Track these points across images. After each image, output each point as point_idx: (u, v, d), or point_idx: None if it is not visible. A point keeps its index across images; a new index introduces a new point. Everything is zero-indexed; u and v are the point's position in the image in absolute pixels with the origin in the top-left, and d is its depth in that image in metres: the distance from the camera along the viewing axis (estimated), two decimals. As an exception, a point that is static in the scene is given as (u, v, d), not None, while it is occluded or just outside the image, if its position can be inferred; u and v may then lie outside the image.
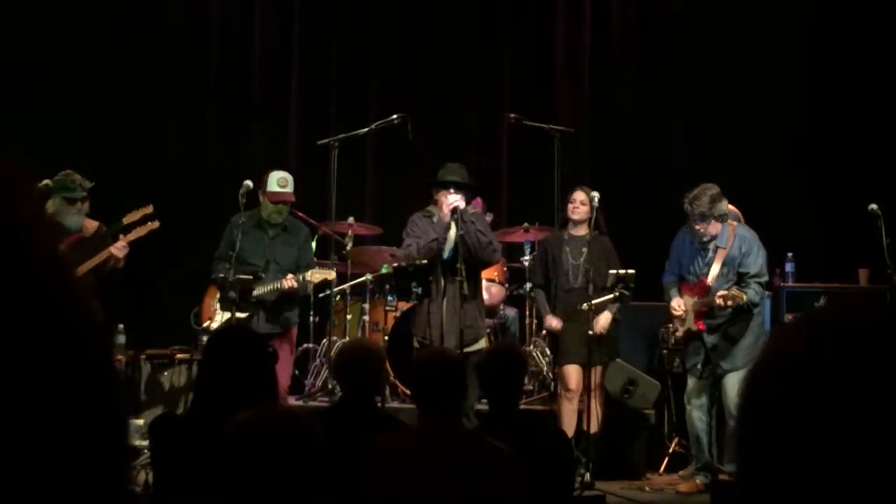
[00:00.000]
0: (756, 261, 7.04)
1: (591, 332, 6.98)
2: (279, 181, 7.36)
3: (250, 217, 7.37)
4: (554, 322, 7.36)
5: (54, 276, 0.69)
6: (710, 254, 7.09)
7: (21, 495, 0.64)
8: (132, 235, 7.09)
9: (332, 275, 7.42)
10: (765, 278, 7.14)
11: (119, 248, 6.96)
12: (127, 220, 7.18)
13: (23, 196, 0.70)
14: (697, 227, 7.02)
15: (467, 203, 7.12)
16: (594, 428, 7.12)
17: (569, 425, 7.10)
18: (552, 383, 7.96)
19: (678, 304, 7.17)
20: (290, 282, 7.14)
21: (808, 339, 0.86)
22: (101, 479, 0.69)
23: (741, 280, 7.00)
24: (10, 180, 0.70)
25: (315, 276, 7.24)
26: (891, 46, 9.70)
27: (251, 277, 7.21)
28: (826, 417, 0.81)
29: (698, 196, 6.98)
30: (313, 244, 7.79)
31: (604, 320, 7.23)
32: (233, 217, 7.45)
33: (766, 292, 7.61)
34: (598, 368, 7.18)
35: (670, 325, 7.71)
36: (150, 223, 7.18)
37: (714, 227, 7.03)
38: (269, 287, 7.20)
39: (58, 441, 0.66)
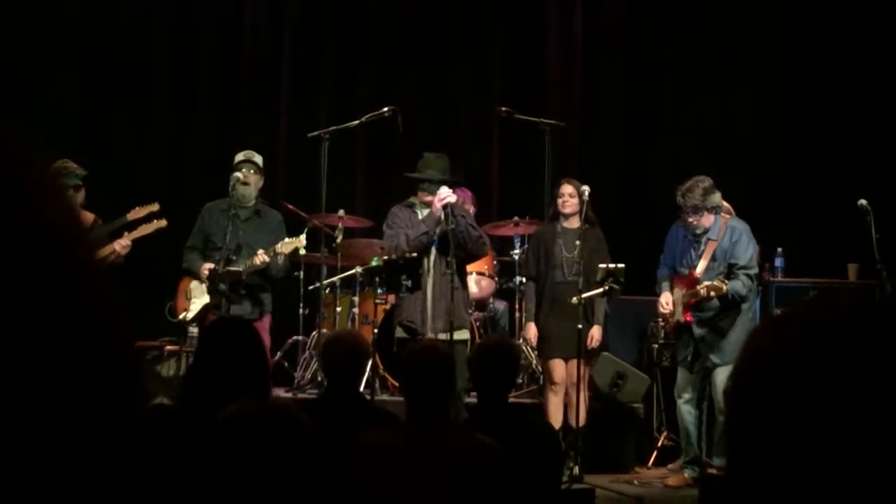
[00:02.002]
0: (745, 252, 7.03)
1: (579, 327, 6.98)
2: (245, 154, 7.47)
3: (221, 203, 7.38)
4: (531, 333, 7.41)
5: (76, 253, 0.69)
6: (703, 246, 7.10)
7: (34, 491, 0.64)
8: (137, 233, 7.11)
9: (301, 242, 7.28)
10: (753, 270, 7.11)
11: (123, 247, 6.98)
12: (131, 216, 7.20)
13: (41, 174, 0.70)
14: (690, 219, 7.02)
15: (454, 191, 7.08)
16: (581, 421, 7.13)
17: (555, 417, 7.14)
18: (541, 376, 7.97)
19: (666, 301, 7.19)
20: (260, 257, 7.06)
21: (800, 336, 0.86)
22: (112, 473, 0.68)
23: (730, 271, 6.99)
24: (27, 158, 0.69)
25: (285, 246, 7.15)
26: (880, 43, 9.72)
27: (240, 270, 7.17)
28: (819, 416, 0.81)
29: (691, 188, 6.98)
30: (303, 237, 7.76)
31: (596, 333, 7.30)
32: (204, 206, 7.47)
33: (758, 287, 7.62)
34: (585, 361, 7.18)
35: (660, 320, 7.72)
36: (156, 221, 7.21)
37: (707, 220, 7.03)
38: (240, 267, 7.15)
39: (73, 434, 0.66)
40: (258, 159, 7.45)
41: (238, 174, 7.30)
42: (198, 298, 7.35)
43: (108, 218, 7.27)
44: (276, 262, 7.18)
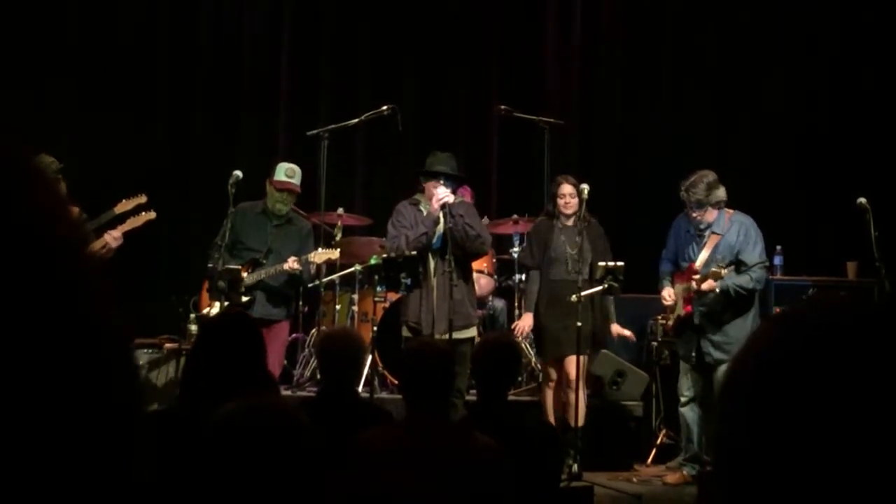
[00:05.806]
0: (753, 251, 7.01)
1: (579, 324, 6.97)
2: (287, 171, 7.43)
3: (254, 205, 7.46)
4: (527, 322, 7.43)
5: (69, 252, 0.69)
6: (705, 239, 7.09)
7: (27, 489, 0.64)
8: (127, 226, 6.93)
9: (335, 254, 7.41)
10: (766, 262, 7.19)
11: (115, 238, 6.77)
12: (119, 209, 7.02)
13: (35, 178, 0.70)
14: (694, 214, 6.99)
15: (454, 192, 7.09)
16: (580, 420, 7.13)
17: (552, 413, 7.15)
18: (540, 374, 7.97)
19: (668, 294, 7.17)
20: (291, 264, 7.14)
21: (795, 334, 0.85)
22: (108, 474, 0.68)
23: (739, 268, 6.97)
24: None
25: (318, 256, 7.25)
26: (881, 41, 9.72)
27: (239, 268, 7.19)
28: (811, 415, 0.81)
29: (694, 183, 6.95)
30: (337, 251, 7.77)
31: (618, 329, 7.47)
32: (237, 206, 7.47)
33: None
34: (583, 359, 7.17)
35: (659, 317, 7.71)
36: (144, 213, 7.05)
37: (710, 215, 7.02)
38: (270, 270, 7.21)
39: (68, 432, 0.66)
40: (298, 179, 7.44)
41: (278, 194, 7.35)
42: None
43: (97, 212, 7.11)
44: (307, 270, 7.30)
